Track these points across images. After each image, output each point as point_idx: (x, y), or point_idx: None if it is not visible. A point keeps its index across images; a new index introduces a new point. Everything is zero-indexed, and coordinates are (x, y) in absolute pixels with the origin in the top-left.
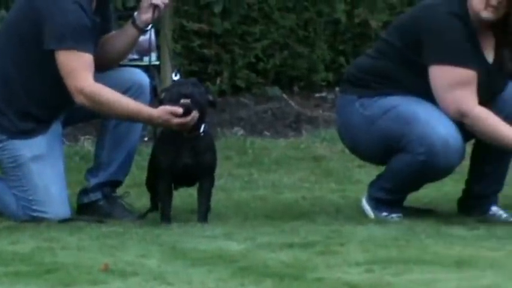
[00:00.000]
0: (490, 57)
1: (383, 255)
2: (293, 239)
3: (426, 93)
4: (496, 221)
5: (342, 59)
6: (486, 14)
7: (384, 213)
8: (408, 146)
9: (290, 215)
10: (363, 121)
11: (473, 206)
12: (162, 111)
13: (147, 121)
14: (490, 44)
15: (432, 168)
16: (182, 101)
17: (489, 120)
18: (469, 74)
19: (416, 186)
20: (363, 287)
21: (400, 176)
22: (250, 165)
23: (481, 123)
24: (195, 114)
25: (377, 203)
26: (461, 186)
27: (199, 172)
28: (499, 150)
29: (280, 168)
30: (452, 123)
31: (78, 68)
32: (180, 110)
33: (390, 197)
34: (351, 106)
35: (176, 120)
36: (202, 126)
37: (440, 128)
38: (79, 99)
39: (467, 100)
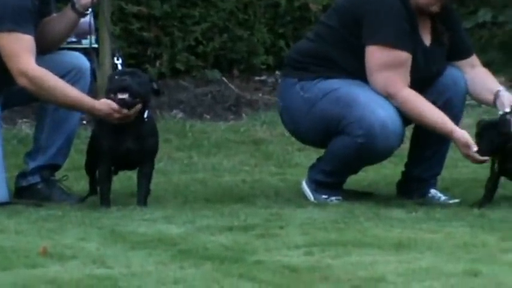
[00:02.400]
0: (427, 39)
1: (322, 238)
2: (233, 222)
3: (366, 76)
4: (434, 203)
5: (281, 42)
6: (435, 8)
7: (324, 196)
8: (347, 128)
9: (230, 198)
10: (303, 104)
11: (412, 189)
12: (104, 105)
13: (88, 112)
14: (427, 26)
15: (371, 151)
16: (120, 96)
17: (413, 103)
18: (402, 56)
19: (355, 169)
20: (303, 269)
21: (339, 159)
22: (190, 148)
23: (408, 105)
24: (137, 107)
25: (317, 186)
26: (401, 169)
27: (142, 157)
28: (438, 135)
29: (220, 151)
30: (391, 107)
31: (20, 51)
32: (120, 109)
33: (330, 179)
34: (291, 89)
35: (117, 116)
36: (146, 112)
37: (379, 111)
38: (22, 81)
39: (396, 82)
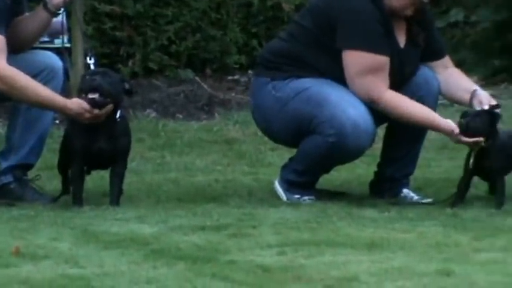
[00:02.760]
0: (401, 40)
1: (295, 238)
2: (205, 221)
3: (339, 76)
4: (407, 203)
5: (254, 42)
6: (409, 12)
7: (296, 196)
8: (319, 127)
9: (202, 197)
10: (275, 103)
11: (385, 188)
12: (75, 104)
13: (60, 111)
14: (402, 27)
15: (342, 150)
16: (91, 96)
17: (398, 103)
18: (380, 60)
19: (327, 168)
20: (275, 269)
21: (311, 158)
22: (163, 147)
23: (391, 108)
24: (108, 107)
25: (289, 186)
26: (373, 168)
27: (114, 157)
28: (411, 134)
29: (193, 151)
30: (363, 106)
31: None
32: (91, 109)
33: (302, 179)
34: (263, 88)
35: (87, 115)
36: (118, 112)
37: (350, 110)
38: None
39: (377, 86)
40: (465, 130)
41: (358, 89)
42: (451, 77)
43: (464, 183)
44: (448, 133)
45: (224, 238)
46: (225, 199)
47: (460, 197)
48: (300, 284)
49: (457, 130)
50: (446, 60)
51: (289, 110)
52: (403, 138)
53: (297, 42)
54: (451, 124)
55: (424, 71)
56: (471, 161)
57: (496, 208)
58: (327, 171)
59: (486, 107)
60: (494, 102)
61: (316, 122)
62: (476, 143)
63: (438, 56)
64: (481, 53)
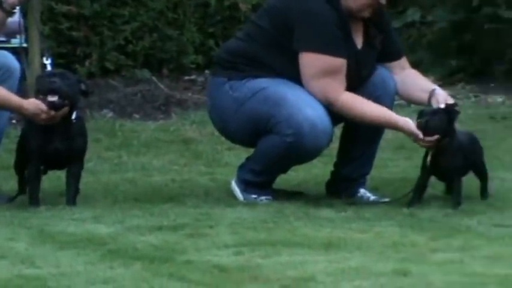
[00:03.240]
0: (359, 42)
1: (252, 238)
2: (162, 221)
3: (296, 76)
4: (364, 203)
5: (211, 42)
6: (366, 14)
7: (253, 196)
8: (276, 127)
9: (159, 197)
10: (233, 103)
11: (341, 188)
12: (32, 105)
13: (16, 111)
14: (359, 29)
15: (299, 150)
16: (50, 98)
17: (355, 105)
18: (337, 63)
19: (284, 168)
20: (232, 269)
21: (268, 158)
22: (120, 147)
23: (348, 109)
24: (65, 109)
25: (246, 186)
26: (330, 168)
27: (70, 157)
28: (367, 134)
29: (150, 150)
30: (320, 106)
31: None
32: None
33: (259, 179)
34: (220, 88)
35: (44, 116)
36: (74, 113)
37: (307, 110)
38: None
39: (334, 89)
40: (425, 129)
41: (315, 91)
42: (409, 77)
43: (422, 183)
44: (407, 131)
45: (181, 238)
46: (182, 199)
47: (417, 196)
48: (256, 284)
49: (416, 130)
50: (404, 61)
51: (247, 110)
52: (359, 138)
53: (254, 42)
54: (409, 122)
55: (380, 71)
56: (428, 160)
57: (452, 208)
58: (284, 171)
59: (443, 106)
60: (451, 100)
61: (274, 122)
62: (434, 143)
63: (395, 57)
64: (438, 53)
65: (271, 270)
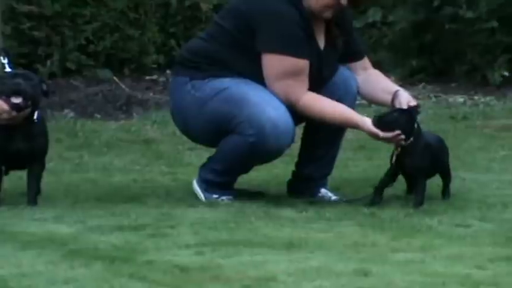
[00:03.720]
0: (321, 42)
1: (213, 238)
2: (123, 221)
3: (258, 77)
4: (325, 203)
5: (172, 42)
6: (328, 15)
7: (215, 196)
8: (238, 127)
9: (121, 197)
10: (195, 103)
11: (303, 188)
12: None
13: None
14: (321, 29)
15: (262, 150)
16: (15, 100)
17: (317, 105)
18: (300, 64)
19: (246, 168)
20: (193, 269)
21: (230, 158)
22: (81, 147)
23: (311, 110)
24: (27, 110)
25: (208, 185)
26: (292, 168)
27: (31, 157)
28: (329, 134)
29: (111, 151)
30: (282, 106)
31: None
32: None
33: (221, 179)
34: (183, 88)
35: (5, 116)
36: (36, 113)
37: (270, 110)
38: None
39: (296, 89)
40: (378, 123)
41: (278, 92)
42: (371, 78)
43: (386, 183)
44: (366, 130)
45: (142, 238)
46: (143, 199)
47: (378, 196)
48: (217, 284)
49: (374, 128)
50: (366, 61)
51: (209, 110)
52: (321, 138)
53: (216, 42)
54: (369, 122)
55: (342, 72)
56: (393, 160)
57: (414, 208)
58: (246, 171)
59: (404, 107)
60: (414, 102)
61: (236, 122)
62: (393, 138)
63: (357, 57)
64: (399, 53)
65: (233, 270)
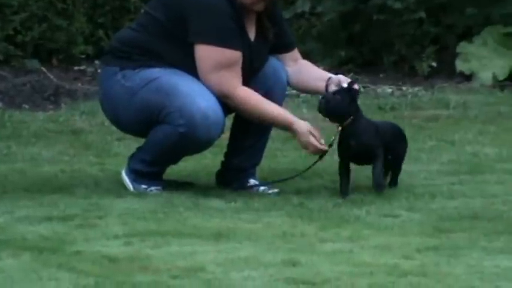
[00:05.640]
0: (252, 34)
1: (142, 228)
2: (52, 212)
3: (190, 68)
4: (253, 193)
5: (101, 32)
6: (259, 7)
7: (143, 186)
8: (168, 117)
9: (49, 188)
10: (124, 92)
11: (231, 178)
12: None
13: None
14: (252, 21)
15: (191, 140)
16: None
17: (251, 100)
18: (233, 55)
19: (175, 159)
20: (122, 259)
21: (159, 148)
22: (9, 138)
23: (243, 104)
24: None
25: (136, 176)
26: (220, 159)
27: None
28: (258, 124)
29: (39, 141)
30: (212, 96)
31: None
32: None
33: (149, 169)
34: (112, 77)
35: None
36: None
37: (200, 101)
38: None
39: (230, 82)
40: (326, 108)
41: (211, 84)
42: (303, 68)
43: (344, 168)
44: (301, 134)
45: (70, 228)
46: (72, 189)
47: (344, 184)
48: (146, 275)
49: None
50: (296, 52)
51: (139, 100)
52: (250, 128)
53: (147, 32)
54: (309, 127)
55: (272, 62)
56: (334, 141)
57: (376, 191)
58: (175, 161)
59: (345, 85)
60: (348, 80)
61: (166, 112)
62: (320, 150)
63: (288, 48)
64: (327, 43)
65: (161, 260)
